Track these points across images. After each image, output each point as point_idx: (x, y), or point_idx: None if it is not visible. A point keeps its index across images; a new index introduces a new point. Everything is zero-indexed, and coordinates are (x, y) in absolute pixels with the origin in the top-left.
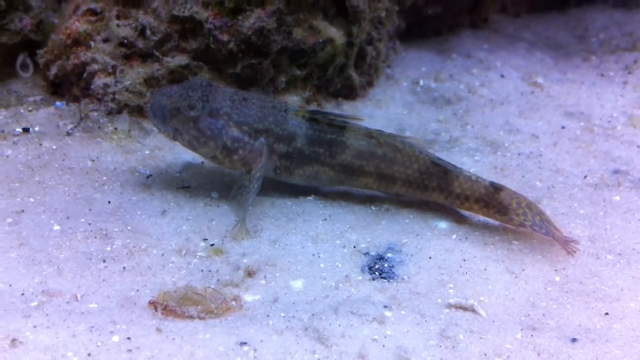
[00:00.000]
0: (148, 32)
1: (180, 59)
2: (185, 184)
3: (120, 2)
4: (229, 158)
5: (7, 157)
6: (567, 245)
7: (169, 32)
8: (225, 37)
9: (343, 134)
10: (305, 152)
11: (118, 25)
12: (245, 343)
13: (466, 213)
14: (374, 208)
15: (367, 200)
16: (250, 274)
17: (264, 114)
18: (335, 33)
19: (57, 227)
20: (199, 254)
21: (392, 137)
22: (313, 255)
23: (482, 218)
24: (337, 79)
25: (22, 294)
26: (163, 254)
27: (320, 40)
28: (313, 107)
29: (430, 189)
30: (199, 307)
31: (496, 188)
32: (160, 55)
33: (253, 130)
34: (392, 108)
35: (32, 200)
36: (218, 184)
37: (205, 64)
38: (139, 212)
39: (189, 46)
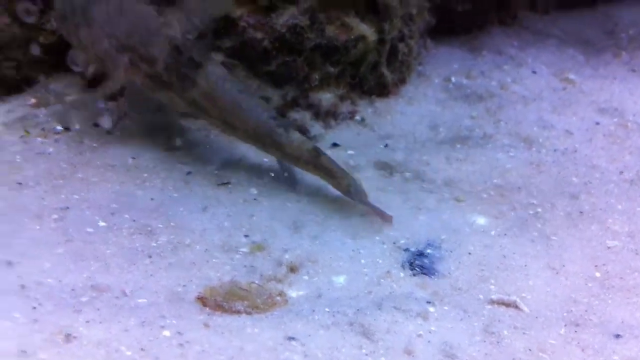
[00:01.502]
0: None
1: (216, 57)
2: (224, 180)
3: (155, 2)
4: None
5: (50, 154)
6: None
7: (204, 29)
8: (259, 35)
9: (197, 71)
10: (163, 78)
11: None
12: (293, 338)
13: None
14: (411, 204)
15: (405, 197)
16: (292, 269)
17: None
18: (367, 30)
19: (102, 224)
20: (241, 249)
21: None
22: (353, 251)
23: (519, 213)
24: (369, 76)
25: (72, 290)
26: (206, 250)
27: (353, 37)
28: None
29: (267, 145)
30: (245, 302)
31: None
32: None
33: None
34: (424, 105)
35: (76, 197)
36: (256, 181)
37: (239, 62)
38: (180, 209)
39: (223, 44)
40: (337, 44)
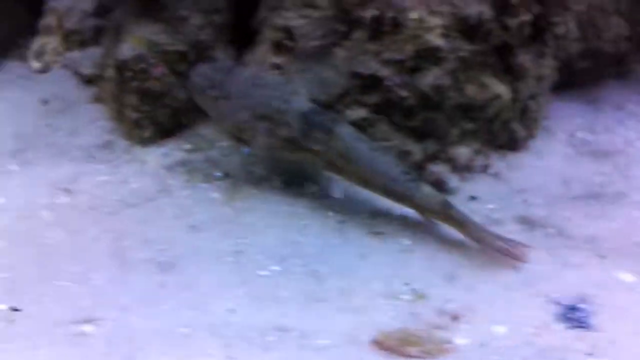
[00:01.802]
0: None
1: (360, 112)
2: (376, 230)
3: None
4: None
5: (215, 199)
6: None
7: (349, 86)
8: (404, 93)
9: (330, 133)
10: (299, 142)
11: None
12: None
13: None
14: (557, 260)
15: (549, 252)
16: (454, 318)
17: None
18: (502, 90)
19: (275, 267)
20: (403, 297)
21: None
22: (508, 302)
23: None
24: (502, 132)
25: (257, 329)
26: (371, 296)
27: (489, 96)
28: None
29: (399, 198)
30: (417, 347)
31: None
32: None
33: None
34: (552, 159)
35: (246, 241)
36: (406, 231)
37: (383, 117)
38: (340, 255)
39: (368, 100)
40: (474, 102)
